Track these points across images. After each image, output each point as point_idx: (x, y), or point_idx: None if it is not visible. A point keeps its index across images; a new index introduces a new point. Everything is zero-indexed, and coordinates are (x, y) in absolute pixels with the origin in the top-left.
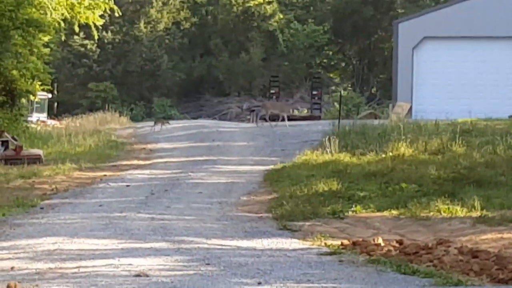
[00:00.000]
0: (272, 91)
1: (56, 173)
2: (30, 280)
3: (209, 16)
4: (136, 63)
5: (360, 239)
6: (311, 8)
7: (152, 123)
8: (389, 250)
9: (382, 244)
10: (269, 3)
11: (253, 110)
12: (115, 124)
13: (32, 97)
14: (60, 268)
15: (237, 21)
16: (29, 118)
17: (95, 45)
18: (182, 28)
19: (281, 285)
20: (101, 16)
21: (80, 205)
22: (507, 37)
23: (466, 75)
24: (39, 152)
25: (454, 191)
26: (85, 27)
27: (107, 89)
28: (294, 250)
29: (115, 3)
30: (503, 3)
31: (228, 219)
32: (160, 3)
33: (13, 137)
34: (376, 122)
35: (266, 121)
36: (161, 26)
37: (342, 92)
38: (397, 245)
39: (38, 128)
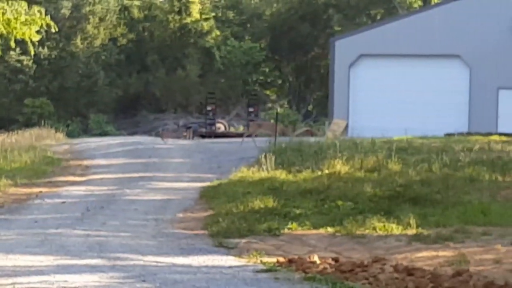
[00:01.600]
0: (208, 108)
1: None
2: None
3: (146, 32)
4: (73, 79)
5: (296, 257)
6: (248, 25)
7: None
8: (325, 268)
9: (318, 262)
10: (205, 20)
11: (190, 127)
12: (51, 140)
13: None
14: None
15: (174, 38)
16: None
17: (32, 60)
18: (119, 44)
19: None
20: (38, 32)
21: (16, 221)
22: (441, 55)
23: (402, 93)
24: None
25: (390, 209)
26: (21, 42)
27: (43, 105)
28: (230, 267)
29: (51, 18)
30: (436, 22)
31: (164, 236)
32: (97, 19)
33: None
34: (312, 139)
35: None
36: (98, 42)
37: (278, 109)
38: (333, 262)
39: None
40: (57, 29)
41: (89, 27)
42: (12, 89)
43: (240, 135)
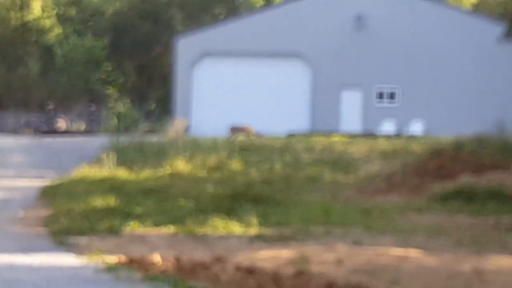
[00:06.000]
0: (49, 106)
1: None
2: None
3: None
4: None
5: (137, 256)
6: (90, 22)
7: None
8: (166, 267)
9: (159, 261)
10: (47, 17)
11: (31, 125)
12: None
13: None
14: None
15: (15, 35)
16: None
17: None
18: None
19: None
20: None
21: None
22: (284, 55)
23: (245, 92)
24: None
25: (231, 208)
26: None
27: None
28: (71, 266)
29: None
30: (279, 21)
31: (4, 235)
32: None
33: None
34: (154, 138)
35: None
36: None
37: (120, 107)
38: (174, 262)
39: None
40: None
41: None
42: None
43: (82, 133)
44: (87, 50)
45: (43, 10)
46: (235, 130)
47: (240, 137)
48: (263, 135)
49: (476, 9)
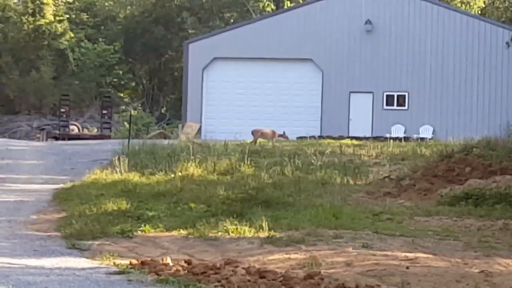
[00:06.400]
0: (62, 110)
1: None
2: None
3: (0, 34)
4: None
5: (149, 259)
6: (102, 27)
7: None
8: (177, 270)
9: (171, 264)
10: (59, 21)
11: (43, 129)
12: None
13: None
14: None
15: (28, 39)
16: None
17: None
18: None
19: None
20: None
21: None
22: (294, 59)
23: (255, 96)
24: None
25: (242, 212)
26: None
27: None
28: (83, 269)
29: None
30: (289, 25)
31: (17, 238)
32: None
33: None
34: (165, 142)
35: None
36: None
37: (132, 111)
38: (185, 265)
39: None
40: None
41: None
42: None
43: (94, 137)
44: (99, 54)
45: (55, 15)
46: (257, 133)
47: (261, 141)
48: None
49: (485, 14)
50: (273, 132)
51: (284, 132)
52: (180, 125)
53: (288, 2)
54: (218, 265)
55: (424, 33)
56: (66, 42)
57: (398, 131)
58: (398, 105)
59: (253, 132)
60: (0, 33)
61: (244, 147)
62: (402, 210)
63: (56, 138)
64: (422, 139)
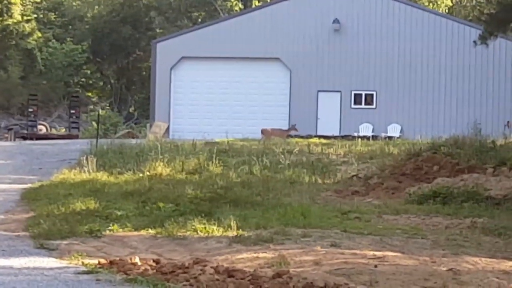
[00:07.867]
0: (30, 110)
1: None
2: None
3: None
4: None
5: (118, 258)
6: (70, 27)
7: None
8: (146, 269)
9: (139, 263)
10: (27, 21)
11: (11, 129)
12: None
13: None
14: None
15: None
16: None
17: None
18: None
19: None
20: None
21: None
22: (262, 58)
23: (224, 96)
24: None
25: (211, 211)
26: None
27: None
28: (51, 269)
29: None
30: (257, 25)
31: None
32: None
33: None
34: (134, 141)
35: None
36: None
37: (100, 111)
38: (154, 264)
39: None
40: None
41: None
42: None
43: (62, 137)
44: (67, 54)
45: (23, 15)
46: (266, 132)
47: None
48: (240, 138)
49: (452, 12)
50: (281, 130)
51: (293, 125)
52: (148, 125)
53: (256, 1)
54: (186, 264)
55: (392, 32)
56: (34, 42)
57: (366, 130)
58: (366, 104)
59: (262, 131)
60: None
61: (212, 146)
62: (370, 208)
63: (24, 138)
64: (390, 137)
